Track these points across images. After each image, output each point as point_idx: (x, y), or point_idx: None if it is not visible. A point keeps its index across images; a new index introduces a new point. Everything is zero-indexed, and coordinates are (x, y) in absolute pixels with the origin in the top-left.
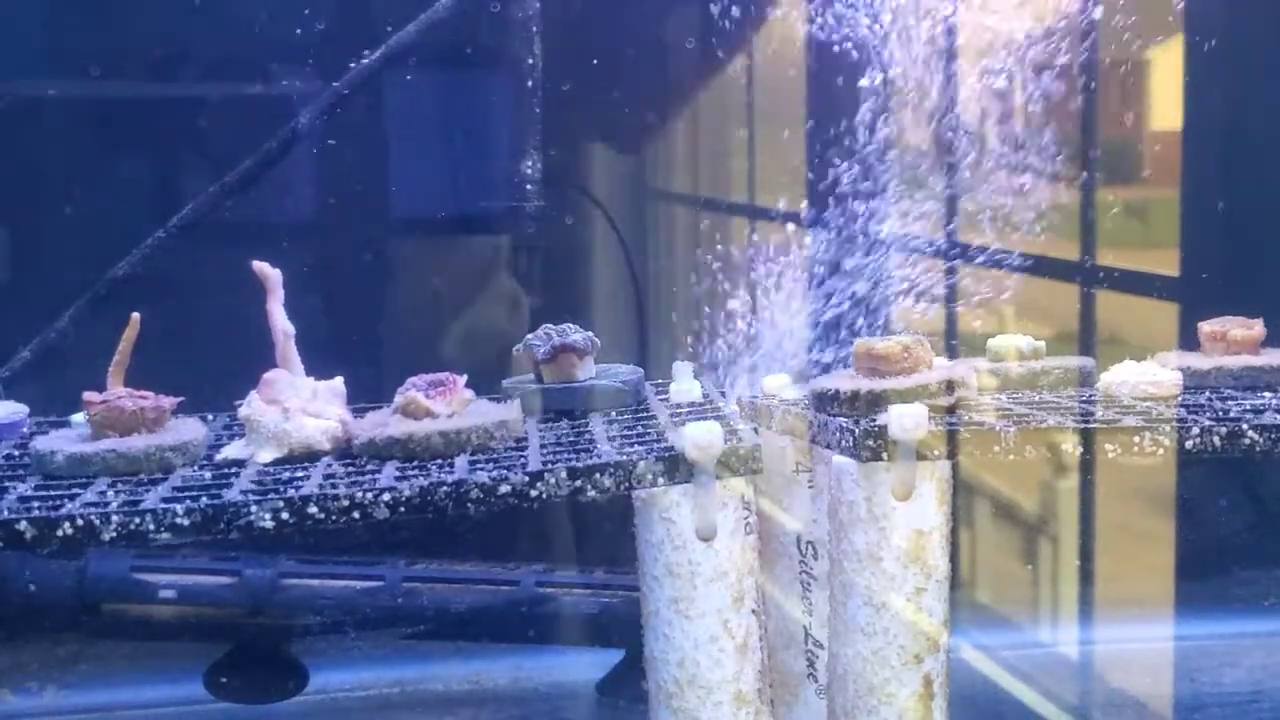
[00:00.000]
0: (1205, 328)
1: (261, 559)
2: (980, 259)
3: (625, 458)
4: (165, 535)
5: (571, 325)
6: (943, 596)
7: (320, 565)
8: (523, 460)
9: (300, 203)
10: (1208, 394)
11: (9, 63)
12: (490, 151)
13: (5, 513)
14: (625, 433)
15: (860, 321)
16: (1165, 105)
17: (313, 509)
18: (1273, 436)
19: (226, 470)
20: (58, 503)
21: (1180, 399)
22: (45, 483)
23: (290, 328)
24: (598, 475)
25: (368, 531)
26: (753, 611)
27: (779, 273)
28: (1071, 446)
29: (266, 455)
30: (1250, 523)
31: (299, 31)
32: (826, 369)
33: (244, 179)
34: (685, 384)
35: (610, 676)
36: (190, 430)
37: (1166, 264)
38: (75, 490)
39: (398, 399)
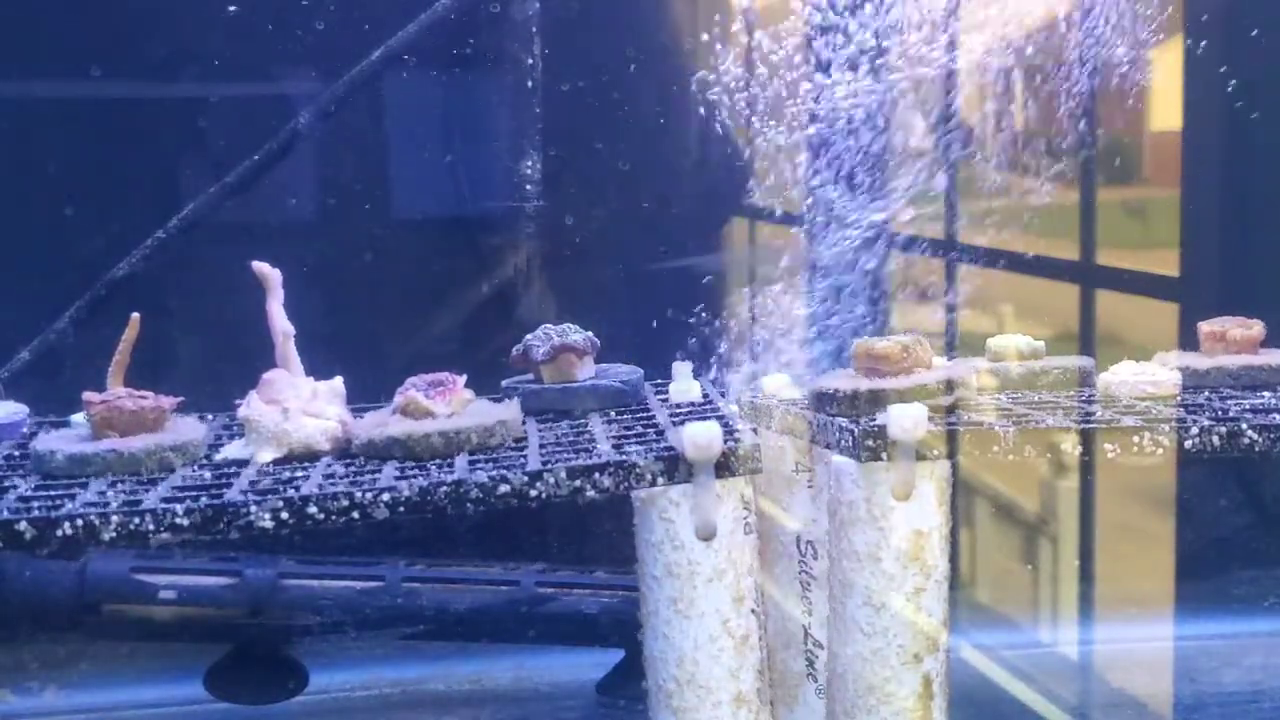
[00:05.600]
0: (1205, 328)
1: (261, 559)
2: (982, 258)
3: (624, 458)
4: (165, 535)
5: (571, 325)
6: (942, 596)
7: (320, 565)
8: (522, 460)
9: (300, 203)
10: (1207, 393)
11: (9, 63)
12: (490, 151)
13: (5, 513)
14: (624, 432)
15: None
16: (1165, 105)
17: (312, 509)
18: (1272, 436)
19: (226, 470)
20: (57, 503)
21: (1180, 399)
22: (45, 483)
23: (290, 328)
24: (597, 475)
25: (368, 531)
26: (752, 611)
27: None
28: (1071, 446)
29: (266, 455)
30: (1250, 523)
31: (300, 32)
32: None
33: (244, 179)
34: (685, 384)
35: (610, 676)
36: (190, 430)
37: (1166, 264)
38: (75, 490)
39: (397, 399)
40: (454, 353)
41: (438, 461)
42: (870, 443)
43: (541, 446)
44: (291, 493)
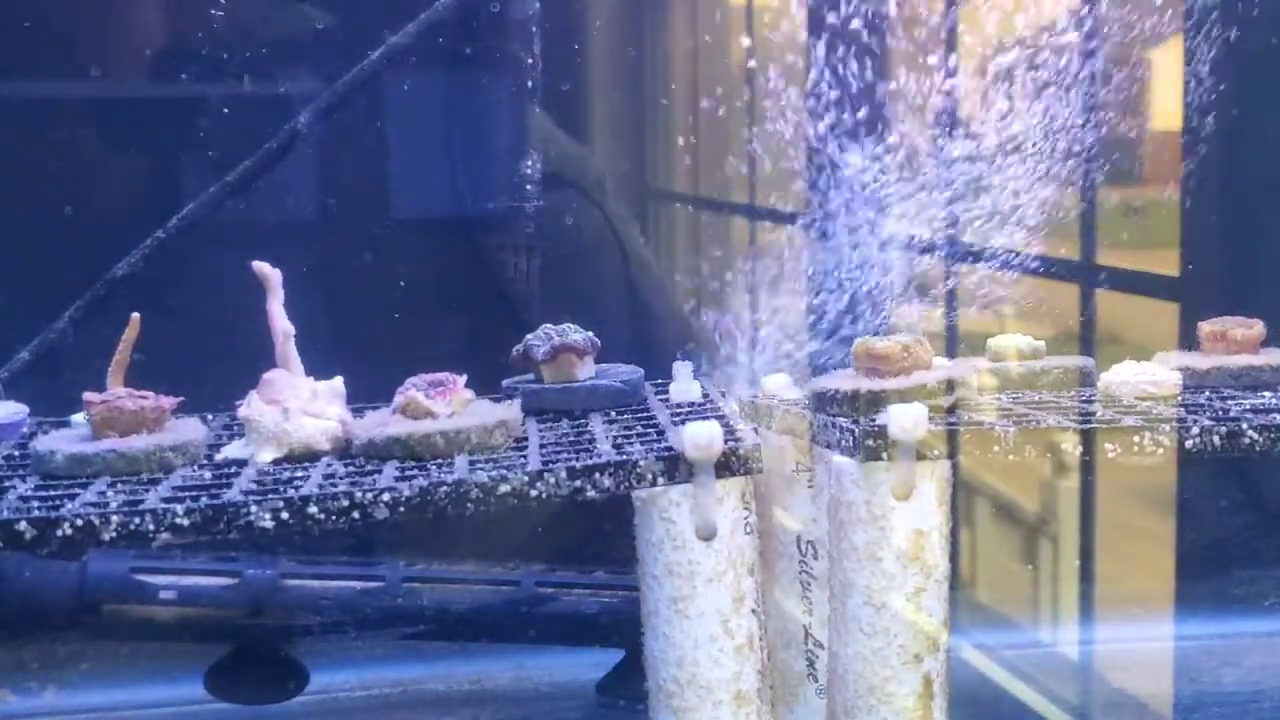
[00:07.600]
0: (1205, 328)
1: (262, 559)
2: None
3: (625, 457)
4: (165, 535)
5: (571, 325)
6: (942, 596)
7: (320, 566)
8: (522, 460)
9: (300, 203)
10: (1207, 394)
11: (9, 62)
12: (490, 151)
13: (5, 513)
14: (625, 432)
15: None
16: (1165, 105)
17: (313, 509)
18: (1273, 436)
19: (226, 470)
20: (57, 503)
21: (1180, 399)
22: (45, 483)
23: (290, 328)
24: (597, 475)
25: (368, 531)
26: (752, 611)
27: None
28: (1071, 446)
29: (266, 455)
30: (1250, 523)
31: (300, 31)
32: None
33: (244, 179)
34: (685, 384)
35: (610, 676)
36: (190, 430)
37: (1166, 264)
38: (75, 490)
39: (397, 399)
40: (454, 353)
41: (438, 461)
42: (870, 443)
43: (542, 446)
44: (292, 493)
